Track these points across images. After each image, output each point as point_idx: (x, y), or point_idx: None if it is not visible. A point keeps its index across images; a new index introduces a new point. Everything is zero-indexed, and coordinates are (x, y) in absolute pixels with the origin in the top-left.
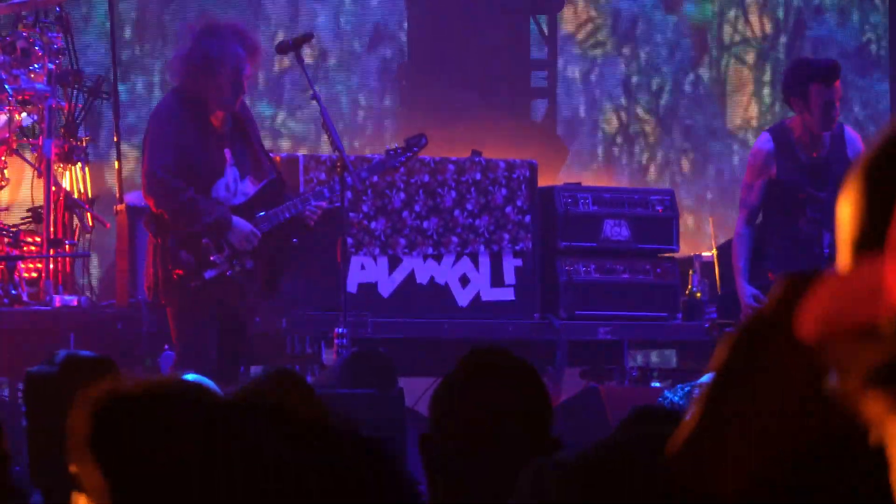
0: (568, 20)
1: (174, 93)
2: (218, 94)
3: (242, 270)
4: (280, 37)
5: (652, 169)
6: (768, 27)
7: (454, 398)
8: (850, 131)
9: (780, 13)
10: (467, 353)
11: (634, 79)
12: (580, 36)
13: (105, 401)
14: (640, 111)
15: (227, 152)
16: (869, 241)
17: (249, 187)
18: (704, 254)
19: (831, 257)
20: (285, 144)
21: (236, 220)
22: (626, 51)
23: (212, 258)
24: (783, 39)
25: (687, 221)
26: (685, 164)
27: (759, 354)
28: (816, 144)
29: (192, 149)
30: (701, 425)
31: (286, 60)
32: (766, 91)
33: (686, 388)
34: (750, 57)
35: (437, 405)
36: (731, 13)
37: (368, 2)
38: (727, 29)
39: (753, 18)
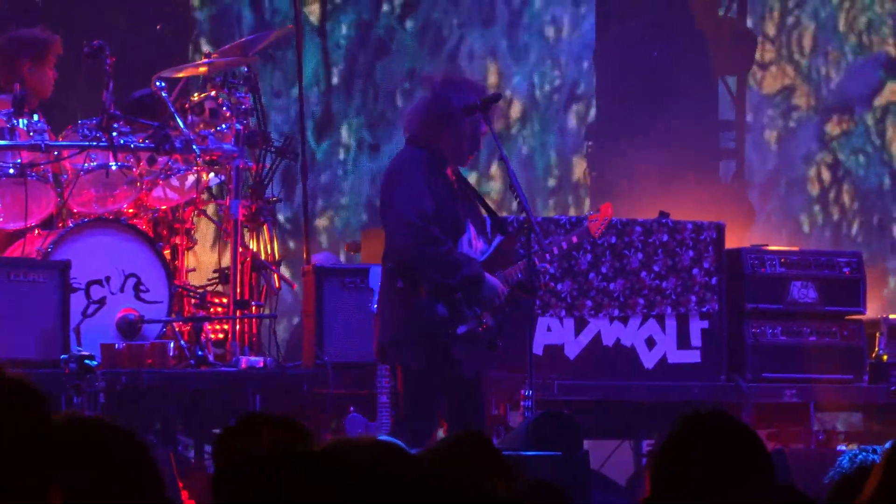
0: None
1: (410, 143)
2: (455, 146)
3: (487, 328)
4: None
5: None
6: None
7: (678, 461)
8: None
9: None
10: (688, 415)
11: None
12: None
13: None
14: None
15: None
16: None
17: (482, 244)
18: (892, 315)
19: None
20: None
21: (488, 275)
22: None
23: (466, 313)
24: None
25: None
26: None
27: None
28: None
29: (443, 200)
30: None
31: None
32: None
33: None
34: None
35: (659, 468)
36: None
37: (558, 64)
38: None
39: None
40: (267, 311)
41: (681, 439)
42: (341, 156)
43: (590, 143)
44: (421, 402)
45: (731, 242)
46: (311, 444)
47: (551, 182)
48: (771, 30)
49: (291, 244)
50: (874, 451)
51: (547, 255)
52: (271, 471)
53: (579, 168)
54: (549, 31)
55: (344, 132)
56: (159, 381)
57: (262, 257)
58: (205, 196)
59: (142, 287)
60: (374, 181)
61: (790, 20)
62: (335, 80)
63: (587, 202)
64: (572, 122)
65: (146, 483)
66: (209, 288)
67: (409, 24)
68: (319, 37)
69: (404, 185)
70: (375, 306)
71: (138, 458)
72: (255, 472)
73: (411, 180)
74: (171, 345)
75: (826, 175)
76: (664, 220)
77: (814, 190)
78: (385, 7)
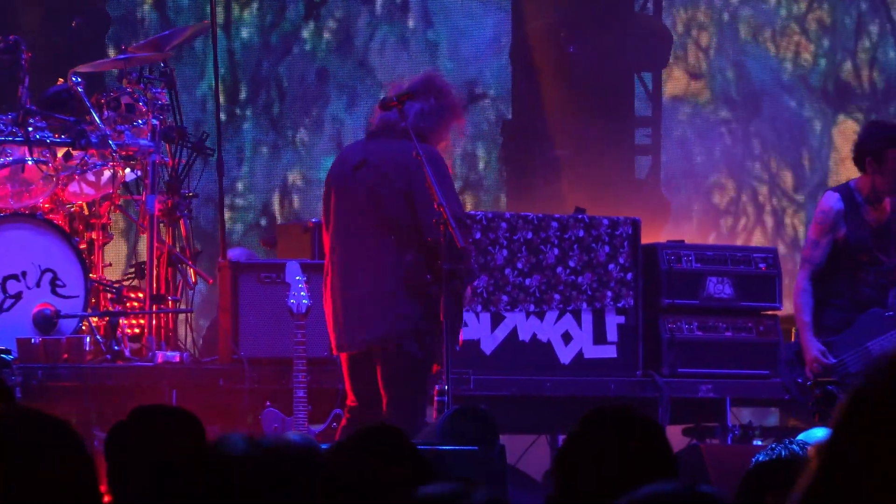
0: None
1: (421, 138)
2: (444, 143)
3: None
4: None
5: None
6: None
7: (581, 457)
8: None
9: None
10: (590, 412)
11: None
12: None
13: None
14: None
15: None
16: None
17: None
18: None
19: (891, 320)
20: None
21: None
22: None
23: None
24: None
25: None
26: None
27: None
28: (880, 210)
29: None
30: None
31: None
32: None
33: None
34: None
35: (561, 465)
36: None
37: (471, 59)
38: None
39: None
40: (183, 306)
41: (582, 436)
42: (247, 153)
43: (506, 140)
44: (425, 392)
45: (647, 238)
46: (203, 438)
47: (466, 176)
48: (680, 27)
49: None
50: (791, 442)
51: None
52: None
53: (495, 163)
54: (462, 28)
55: (248, 131)
56: (75, 376)
57: (178, 252)
58: (121, 191)
59: (58, 282)
60: (274, 180)
61: (700, 17)
62: (241, 78)
63: (503, 199)
64: (487, 117)
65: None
66: (125, 283)
67: (315, 22)
68: (225, 35)
69: (448, 179)
70: (293, 301)
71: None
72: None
73: (446, 177)
74: (88, 339)
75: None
76: (580, 216)
77: (730, 187)
78: (291, 6)
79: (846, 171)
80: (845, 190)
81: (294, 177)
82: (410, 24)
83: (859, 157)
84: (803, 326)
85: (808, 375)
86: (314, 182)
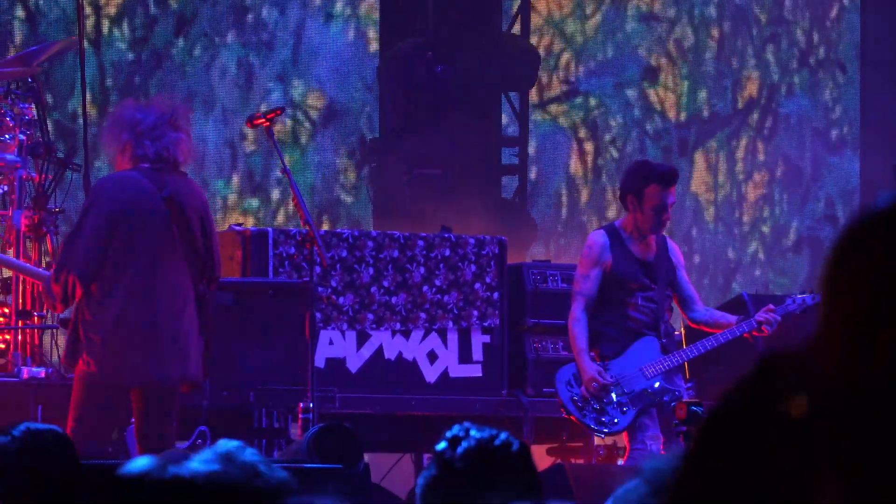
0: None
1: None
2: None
3: None
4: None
5: None
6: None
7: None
8: (671, 241)
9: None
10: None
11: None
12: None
13: None
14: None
15: None
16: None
17: None
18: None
19: (664, 347)
20: (252, 220)
21: None
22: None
23: None
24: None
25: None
26: None
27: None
28: (645, 245)
29: None
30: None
31: (253, 136)
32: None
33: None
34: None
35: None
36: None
37: (336, 77)
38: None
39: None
40: (49, 322)
41: (442, 457)
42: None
43: (372, 158)
44: None
45: (513, 258)
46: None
47: (331, 193)
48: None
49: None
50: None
51: (329, 267)
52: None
53: (360, 181)
54: (324, 48)
55: None
56: None
57: (45, 267)
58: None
59: None
60: None
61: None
62: (112, 94)
63: (368, 217)
64: (352, 135)
65: None
66: None
67: (182, 40)
68: (95, 50)
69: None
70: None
71: None
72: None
73: None
74: None
75: (610, 191)
76: (447, 235)
77: (597, 204)
78: (160, 22)
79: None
80: (610, 227)
81: None
82: (271, 41)
83: (622, 196)
84: (579, 352)
85: (583, 394)
86: None
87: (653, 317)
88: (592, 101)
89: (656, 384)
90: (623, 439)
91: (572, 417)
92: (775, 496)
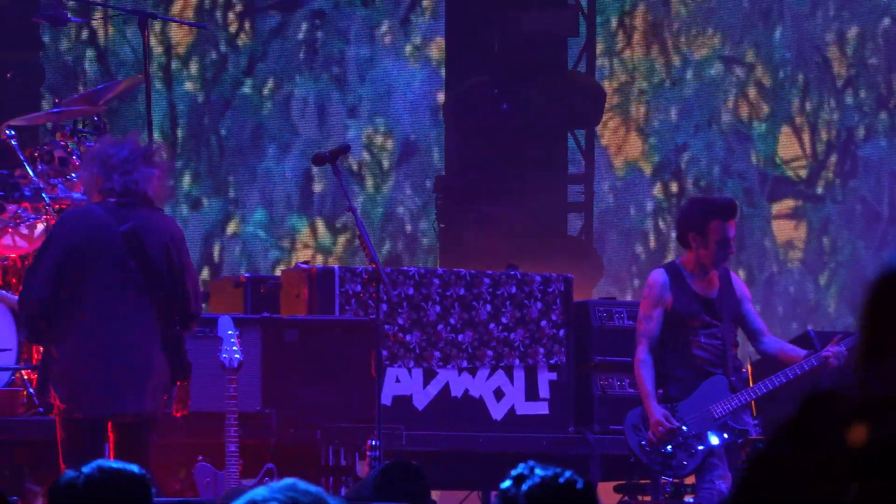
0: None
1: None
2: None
3: None
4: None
5: None
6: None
7: None
8: (735, 275)
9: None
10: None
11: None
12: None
13: None
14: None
15: None
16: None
17: None
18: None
19: (730, 383)
20: (320, 257)
21: None
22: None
23: None
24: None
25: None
26: None
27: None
28: (707, 282)
29: None
30: None
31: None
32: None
33: None
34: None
35: None
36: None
37: (404, 116)
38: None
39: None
40: None
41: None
42: (183, 211)
43: (439, 196)
44: None
45: (579, 295)
46: (150, 496)
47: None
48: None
49: None
50: None
51: (396, 305)
52: None
53: (427, 219)
54: (393, 85)
55: (186, 184)
56: (7, 430)
57: None
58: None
59: None
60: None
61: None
62: (180, 132)
63: (435, 255)
64: (419, 173)
65: None
66: None
67: (252, 79)
68: (166, 88)
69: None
70: (225, 356)
71: None
72: None
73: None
74: (21, 393)
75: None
76: (513, 273)
77: (653, 243)
78: (231, 61)
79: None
80: (671, 266)
81: (231, 229)
82: (344, 76)
83: (683, 234)
84: (646, 395)
85: (650, 438)
86: (244, 236)
87: (718, 354)
88: (668, 142)
89: (724, 424)
90: (692, 477)
91: (641, 461)
92: None
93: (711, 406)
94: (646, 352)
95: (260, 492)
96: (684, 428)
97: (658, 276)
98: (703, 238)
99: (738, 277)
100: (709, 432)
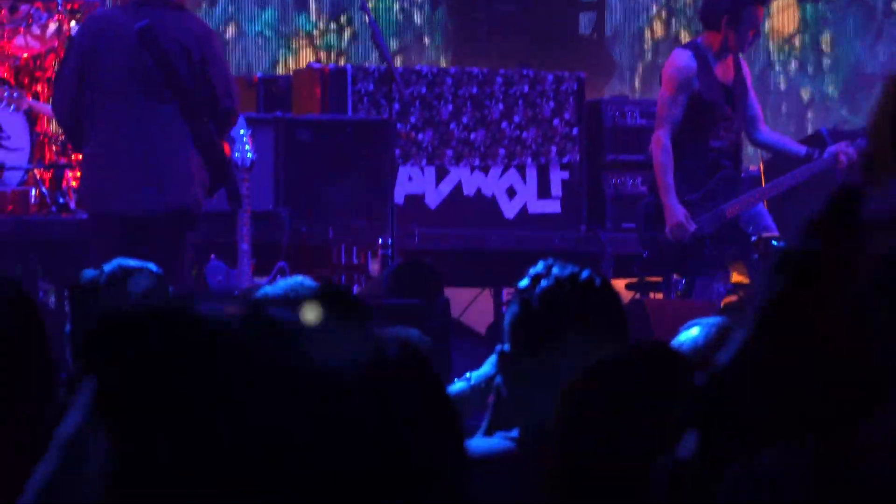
0: None
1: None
2: None
3: None
4: None
5: None
6: None
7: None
8: (742, 61)
9: None
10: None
11: None
12: None
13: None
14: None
15: None
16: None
17: None
18: (751, 167)
19: (741, 180)
20: (333, 56)
21: None
22: None
23: None
24: None
25: None
26: None
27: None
28: (725, 67)
29: None
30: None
31: None
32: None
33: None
34: None
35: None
36: None
37: None
38: None
39: None
40: None
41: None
42: None
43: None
44: None
45: (592, 94)
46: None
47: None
48: None
49: None
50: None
51: (408, 104)
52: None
53: (440, 18)
54: None
55: None
56: (20, 229)
57: None
58: (66, 44)
59: (3, 134)
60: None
61: None
62: None
63: (447, 54)
64: None
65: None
66: None
67: None
68: None
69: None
70: (237, 155)
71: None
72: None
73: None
74: (33, 192)
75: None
76: (525, 72)
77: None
78: None
79: None
80: (695, 48)
81: (230, 30)
82: None
83: (714, 16)
84: (667, 189)
85: (667, 235)
86: (250, 35)
87: (732, 146)
88: None
89: (737, 222)
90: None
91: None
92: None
93: (725, 206)
94: (668, 137)
95: (268, 289)
96: (700, 228)
97: (687, 59)
98: (735, 22)
99: (744, 62)
100: (721, 229)
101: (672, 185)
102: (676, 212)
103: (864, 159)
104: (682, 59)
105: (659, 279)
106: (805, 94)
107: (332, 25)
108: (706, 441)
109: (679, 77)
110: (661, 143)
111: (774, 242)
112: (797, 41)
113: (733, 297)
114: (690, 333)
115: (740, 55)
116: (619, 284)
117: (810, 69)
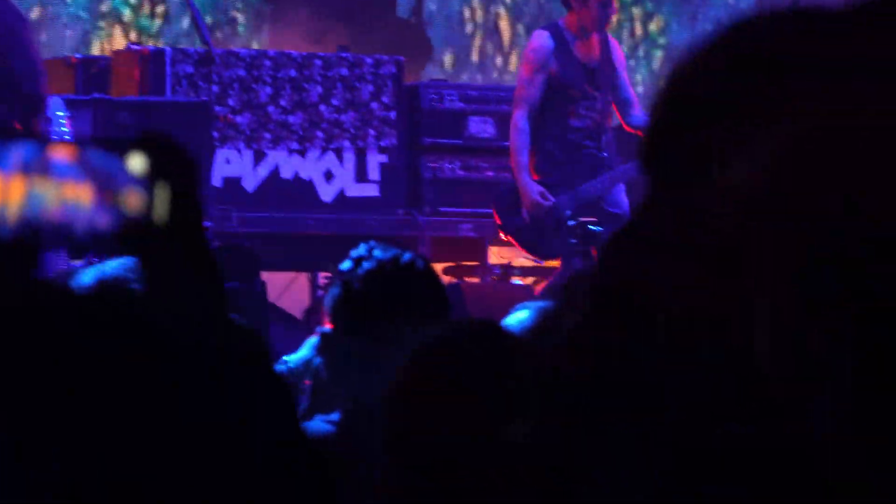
0: None
1: None
2: None
3: None
4: None
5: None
6: None
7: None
8: (613, 40)
9: None
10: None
11: None
12: None
13: None
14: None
15: None
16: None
17: None
18: None
19: (603, 160)
20: (152, 39)
21: None
22: None
23: None
24: None
25: None
26: None
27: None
28: (588, 47)
29: None
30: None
31: None
32: None
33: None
34: None
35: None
36: None
37: None
38: None
39: None
40: None
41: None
42: None
43: None
44: None
45: (410, 78)
46: None
47: (230, 12)
48: None
49: None
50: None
51: (226, 86)
52: None
53: (257, 2)
54: None
55: None
56: None
57: None
58: None
59: None
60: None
61: None
62: None
63: (264, 36)
64: None
65: None
66: None
67: None
68: None
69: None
70: (54, 137)
71: None
72: None
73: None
74: None
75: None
76: (344, 55)
77: (489, 26)
78: None
79: None
80: (554, 28)
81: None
82: None
83: None
84: (520, 168)
85: (524, 217)
86: (61, 17)
87: (594, 127)
88: None
89: (601, 203)
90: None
91: (512, 241)
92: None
93: (581, 186)
94: (524, 119)
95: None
96: (557, 207)
97: (543, 39)
98: (584, 0)
99: (616, 42)
100: (578, 211)
101: (526, 164)
102: (530, 189)
103: (640, 145)
104: (538, 40)
105: (476, 263)
106: None
107: (146, 7)
108: (539, 425)
109: (535, 58)
110: (516, 124)
111: (591, 227)
112: None
113: (551, 281)
114: (519, 316)
115: (610, 35)
116: (437, 268)
117: None
